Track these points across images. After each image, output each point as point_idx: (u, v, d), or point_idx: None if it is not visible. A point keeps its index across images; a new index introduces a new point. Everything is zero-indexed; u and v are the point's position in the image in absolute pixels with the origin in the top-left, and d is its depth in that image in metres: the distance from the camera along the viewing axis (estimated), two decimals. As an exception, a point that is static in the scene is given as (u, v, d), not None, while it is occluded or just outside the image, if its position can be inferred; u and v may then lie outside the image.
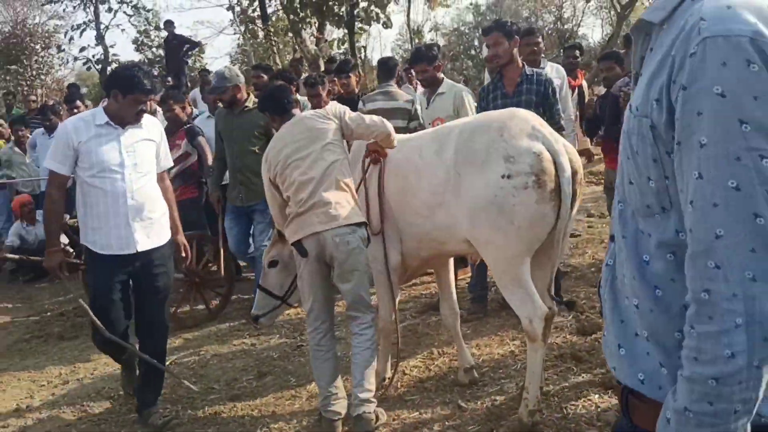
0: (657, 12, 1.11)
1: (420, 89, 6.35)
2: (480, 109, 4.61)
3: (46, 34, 25.44)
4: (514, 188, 3.17)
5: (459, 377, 3.95)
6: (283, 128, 3.73)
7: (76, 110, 7.62)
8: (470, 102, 5.22)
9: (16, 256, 6.36)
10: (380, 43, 57.51)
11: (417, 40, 31.81)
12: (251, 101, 5.36)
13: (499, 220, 3.22)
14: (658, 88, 1.05)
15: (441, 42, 34.59)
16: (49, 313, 6.56)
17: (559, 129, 4.12)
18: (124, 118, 3.74)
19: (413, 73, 6.68)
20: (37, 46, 24.50)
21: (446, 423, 3.49)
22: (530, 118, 3.40)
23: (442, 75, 5.38)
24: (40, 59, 24.39)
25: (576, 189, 3.28)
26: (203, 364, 4.74)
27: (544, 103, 4.43)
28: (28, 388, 4.73)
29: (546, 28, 30.05)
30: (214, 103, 6.64)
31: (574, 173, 3.26)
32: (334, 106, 3.81)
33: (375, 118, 3.73)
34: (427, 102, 5.32)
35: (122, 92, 3.68)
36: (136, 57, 19.54)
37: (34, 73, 23.95)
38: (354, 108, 5.27)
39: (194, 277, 5.67)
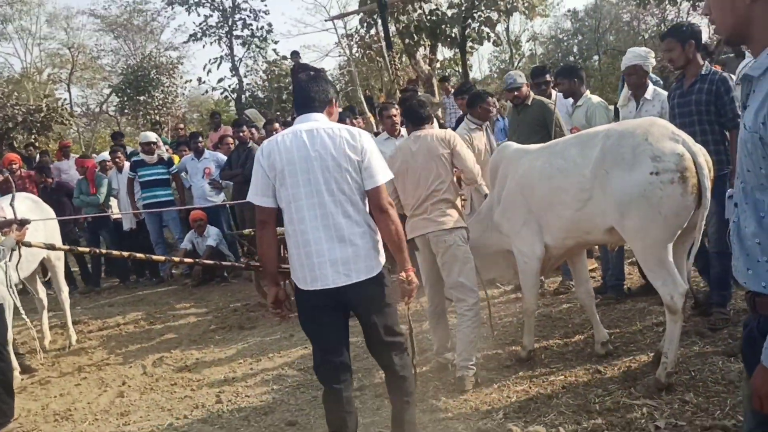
0: (755, 70, 1.84)
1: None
2: (669, 106, 4.96)
3: (170, 65, 27.52)
4: (661, 183, 3.77)
5: (596, 350, 4.62)
6: (408, 140, 4.68)
7: (242, 134, 9.01)
8: (602, 114, 5.76)
9: (229, 263, 7.39)
10: (478, 55, 57.72)
11: (514, 50, 32.26)
12: (530, 100, 6.14)
13: (648, 211, 3.82)
14: (763, 115, 1.77)
15: (539, 50, 34.78)
16: (223, 310, 7.68)
17: (733, 127, 4.48)
18: None
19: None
20: (163, 78, 26.56)
21: (590, 383, 4.19)
22: (668, 125, 4.05)
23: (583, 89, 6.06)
24: (165, 89, 26.50)
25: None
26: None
27: (717, 102, 4.61)
28: (229, 365, 5.74)
29: (649, 32, 29.29)
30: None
31: (708, 170, 3.86)
32: (450, 136, 4.63)
33: (472, 161, 4.63)
34: (572, 111, 6.09)
35: None
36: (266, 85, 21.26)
37: (160, 103, 26.09)
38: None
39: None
